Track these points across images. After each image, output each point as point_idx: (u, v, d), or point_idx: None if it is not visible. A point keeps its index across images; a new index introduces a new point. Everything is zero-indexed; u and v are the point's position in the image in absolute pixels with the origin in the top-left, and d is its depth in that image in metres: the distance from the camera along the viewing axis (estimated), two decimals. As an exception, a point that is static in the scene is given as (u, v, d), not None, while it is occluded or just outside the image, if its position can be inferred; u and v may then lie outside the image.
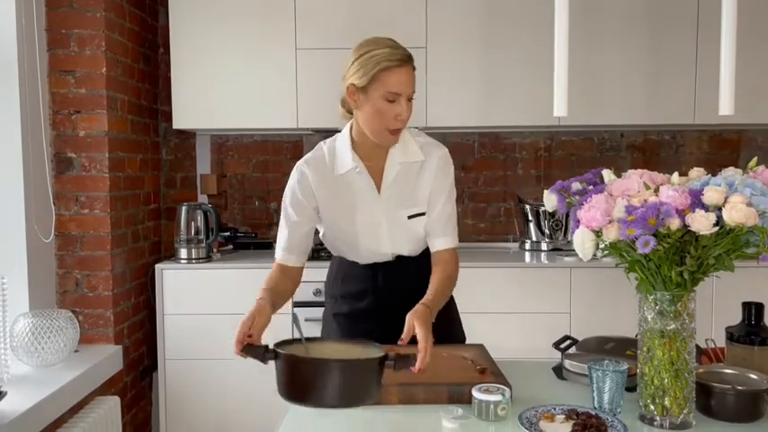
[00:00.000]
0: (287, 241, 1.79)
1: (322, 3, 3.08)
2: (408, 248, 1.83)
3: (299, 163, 1.80)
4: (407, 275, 1.83)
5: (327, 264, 3.00)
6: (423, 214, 1.79)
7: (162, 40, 3.42)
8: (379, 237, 1.80)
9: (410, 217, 1.79)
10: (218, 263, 3.06)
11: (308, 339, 1.44)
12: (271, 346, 1.40)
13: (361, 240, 1.81)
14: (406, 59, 1.67)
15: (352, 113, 1.77)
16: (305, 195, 1.77)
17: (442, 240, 1.80)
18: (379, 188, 1.77)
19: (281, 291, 1.75)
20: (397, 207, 1.78)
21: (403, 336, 1.49)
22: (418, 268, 1.82)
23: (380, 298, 1.85)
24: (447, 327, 1.84)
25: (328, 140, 1.83)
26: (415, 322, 1.48)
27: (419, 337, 1.44)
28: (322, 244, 3.41)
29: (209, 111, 3.12)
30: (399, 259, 1.84)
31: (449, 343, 1.73)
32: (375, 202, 1.77)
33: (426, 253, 1.85)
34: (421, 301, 1.60)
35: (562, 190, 1.45)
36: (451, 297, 1.87)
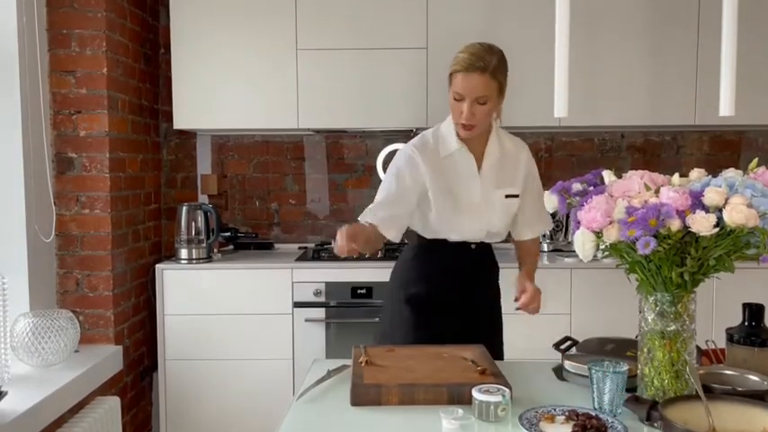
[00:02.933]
0: (388, 210, 1.90)
1: (323, 3, 3.09)
2: (498, 226, 2.02)
3: (405, 146, 2.00)
4: (483, 264, 2.07)
5: (328, 264, 3.02)
6: (517, 196, 2.02)
7: (163, 40, 3.42)
8: (477, 211, 1.98)
9: (507, 196, 2.00)
10: (218, 263, 3.06)
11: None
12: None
13: (463, 212, 1.97)
14: (473, 68, 1.83)
15: None
16: (414, 173, 1.94)
17: (539, 227, 2.12)
18: (479, 169, 1.98)
19: (378, 236, 1.87)
20: (496, 187, 1.99)
21: (517, 294, 1.93)
22: (490, 261, 2.10)
23: (459, 282, 2.03)
24: (491, 338, 2.04)
25: (430, 129, 2.04)
26: (524, 282, 1.95)
27: (530, 291, 1.91)
28: (322, 245, 3.43)
29: (210, 111, 3.12)
30: (479, 247, 2.03)
31: (492, 351, 1.81)
32: (475, 180, 1.97)
33: (492, 252, 2.10)
34: (522, 270, 2.03)
35: (563, 191, 1.45)
36: (500, 310, 2.14)
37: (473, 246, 2.02)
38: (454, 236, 2.00)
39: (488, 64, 1.83)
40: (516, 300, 1.94)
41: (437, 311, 2.02)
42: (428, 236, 2.03)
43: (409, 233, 2.05)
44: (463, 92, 1.85)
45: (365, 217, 1.88)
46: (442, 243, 2.01)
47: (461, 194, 1.97)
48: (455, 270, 2.03)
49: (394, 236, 1.89)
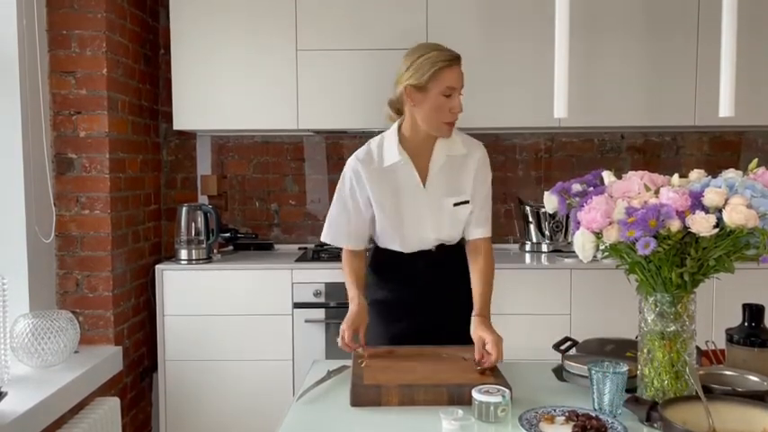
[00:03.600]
0: (347, 228, 1.98)
1: (323, 4, 3.09)
2: (450, 234, 1.98)
3: (351, 158, 1.99)
4: (446, 265, 2.00)
5: (328, 265, 3.02)
6: (467, 202, 1.96)
7: (163, 40, 3.42)
8: (423, 223, 1.95)
9: (455, 204, 1.95)
10: (218, 264, 3.06)
11: None
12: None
13: (406, 226, 1.95)
14: (456, 59, 1.86)
15: (399, 114, 2.00)
16: (359, 186, 1.94)
17: (482, 230, 1.99)
18: (424, 180, 1.94)
19: (360, 275, 2.00)
20: (444, 195, 1.94)
21: (476, 356, 1.67)
22: (455, 260, 2.01)
23: (421, 286, 1.99)
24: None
25: (377, 137, 2.03)
26: (481, 334, 1.71)
27: (491, 342, 1.66)
28: (322, 245, 3.43)
29: (210, 111, 3.12)
30: (439, 250, 1.99)
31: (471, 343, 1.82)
32: (419, 192, 1.93)
33: (462, 248, 2.02)
34: (475, 314, 1.83)
35: (562, 191, 1.45)
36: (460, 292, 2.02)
37: (432, 249, 1.99)
38: (399, 247, 1.98)
39: (458, 54, 1.87)
40: (477, 362, 1.65)
41: (399, 315, 2.01)
42: (380, 244, 2.04)
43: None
44: (454, 83, 1.84)
45: (337, 242, 2.00)
46: (398, 253, 2.00)
47: (406, 207, 1.94)
48: (412, 275, 1.99)
49: (364, 247, 2.01)
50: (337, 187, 2.00)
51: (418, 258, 1.99)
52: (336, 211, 2.00)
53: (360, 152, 1.99)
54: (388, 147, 1.96)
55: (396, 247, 2.00)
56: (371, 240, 2.08)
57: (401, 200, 1.94)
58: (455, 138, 1.97)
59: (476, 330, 1.76)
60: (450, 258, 2.01)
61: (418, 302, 2.01)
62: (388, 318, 2.03)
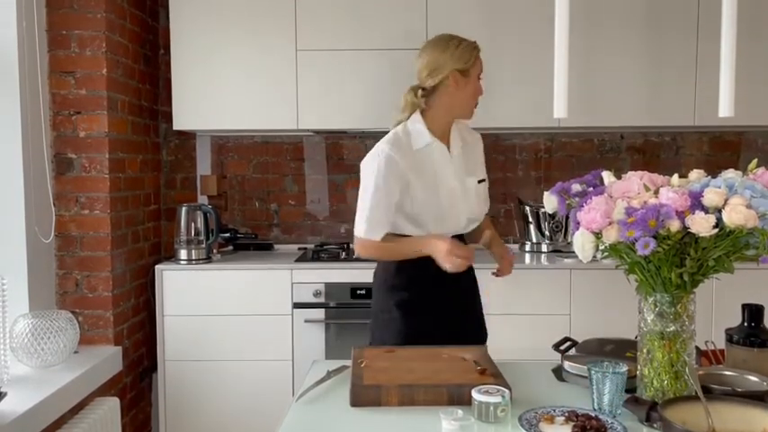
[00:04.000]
0: (386, 218, 1.96)
1: (322, 4, 3.09)
2: (477, 211, 2.12)
3: (380, 149, 1.98)
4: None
5: (328, 265, 3.02)
6: (485, 180, 2.14)
7: (162, 41, 3.42)
8: (456, 200, 2.04)
9: (479, 182, 2.11)
10: (218, 264, 3.06)
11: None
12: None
13: (443, 204, 2.01)
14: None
15: (413, 107, 2.05)
16: (394, 173, 1.95)
17: (486, 207, 2.19)
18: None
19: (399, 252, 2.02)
20: (466, 176, 2.07)
21: (499, 263, 2.11)
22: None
23: (446, 278, 1.94)
24: (476, 325, 2.18)
25: (398, 127, 2.07)
26: (503, 249, 2.12)
27: (508, 255, 2.12)
28: (322, 245, 3.43)
29: (210, 112, 3.12)
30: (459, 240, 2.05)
31: (477, 341, 1.99)
32: (450, 166, 2.03)
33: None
34: (492, 234, 2.07)
35: (562, 191, 1.45)
36: (479, 297, 2.20)
37: (464, 236, 2.12)
38: (437, 226, 1.99)
39: None
40: (497, 272, 2.11)
41: (426, 313, 2.03)
42: (411, 231, 2.01)
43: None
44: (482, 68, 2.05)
45: (378, 235, 1.96)
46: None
47: (441, 185, 2.01)
48: (438, 269, 1.93)
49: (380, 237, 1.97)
50: (369, 182, 1.96)
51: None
52: (374, 202, 1.95)
53: (388, 142, 1.99)
54: (416, 133, 2.02)
55: (431, 226, 1.99)
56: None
57: (437, 179, 2.00)
58: (461, 127, 2.12)
59: (496, 246, 2.09)
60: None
61: (444, 299, 2.04)
62: (415, 316, 2.02)
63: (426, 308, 2.03)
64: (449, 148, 2.05)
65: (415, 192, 1.97)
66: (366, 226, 1.96)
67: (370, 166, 1.97)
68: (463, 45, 1.99)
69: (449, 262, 1.85)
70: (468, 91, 2.01)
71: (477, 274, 2.19)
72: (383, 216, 1.96)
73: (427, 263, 1.93)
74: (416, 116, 2.03)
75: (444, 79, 1.98)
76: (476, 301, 2.19)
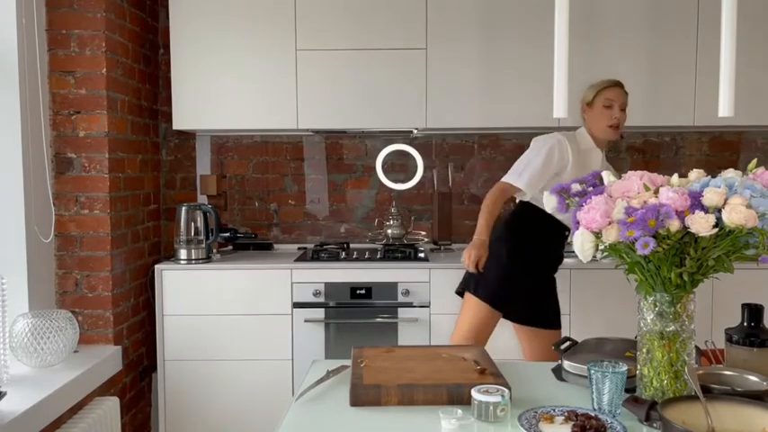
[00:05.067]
0: (537, 177, 2.47)
1: (322, 4, 3.09)
2: None
3: (554, 135, 2.56)
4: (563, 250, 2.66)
5: (327, 265, 3.02)
6: None
7: (162, 40, 3.42)
8: None
9: None
10: (217, 263, 3.06)
11: None
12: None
13: None
14: (615, 83, 2.59)
15: (583, 120, 2.65)
16: (560, 154, 2.50)
17: None
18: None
19: (493, 219, 2.49)
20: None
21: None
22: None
23: (557, 255, 2.66)
24: (554, 307, 2.68)
25: (569, 133, 2.62)
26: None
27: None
28: (322, 245, 3.43)
29: (210, 112, 3.12)
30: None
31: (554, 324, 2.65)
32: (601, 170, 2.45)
33: None
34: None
35: (562, 191, 1.45)
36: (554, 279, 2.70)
37: (566, 233, 2.58)
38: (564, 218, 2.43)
39: (618, 81, 2.62)
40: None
41: (530, 270, 2.57)
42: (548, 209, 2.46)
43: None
44: (615, 98, 2.58)
45: (519, 183, 2.46)
46: (556, 224, 2.53)
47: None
48: (551, 245, 2.60)
49: (529, 195, 2.51)
50: (540, 147, 2.51)
51: (559, 234, 2.57)
52: (534, 164, 2.48)
53: (563, 133, 2.58)
54: (581, 138, 2.60)
55: (564, 219, 2.46)
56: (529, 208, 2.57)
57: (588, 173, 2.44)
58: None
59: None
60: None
61: (549, 267, 2.65)
62: (519, 270, 2.55)
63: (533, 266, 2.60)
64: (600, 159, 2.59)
65: (567, 177, 2.43)
66: (515, 175, 2.49)
67: (545, 141, 2.52)
68: (591, 85, 2.61)
69: (466, 253, 2.42)
70: (593, 116, 2.58)
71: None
72: (533, 176, 2.46)
73: (548, 229, 2.57)
74: (582, 129, 2.64)
75: (582, 109, 2.64)
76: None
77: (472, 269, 2.39)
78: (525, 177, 2.47)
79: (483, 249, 2.41)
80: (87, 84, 2.70)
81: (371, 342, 2.79)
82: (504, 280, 2.53)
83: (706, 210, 1.25)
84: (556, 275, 2.70)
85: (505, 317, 2.60)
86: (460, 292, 2.64)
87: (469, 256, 2.39)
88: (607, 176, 2.12)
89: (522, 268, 2.56)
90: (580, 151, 2.56)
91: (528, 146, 2.58)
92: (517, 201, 2.63)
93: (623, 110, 2.58)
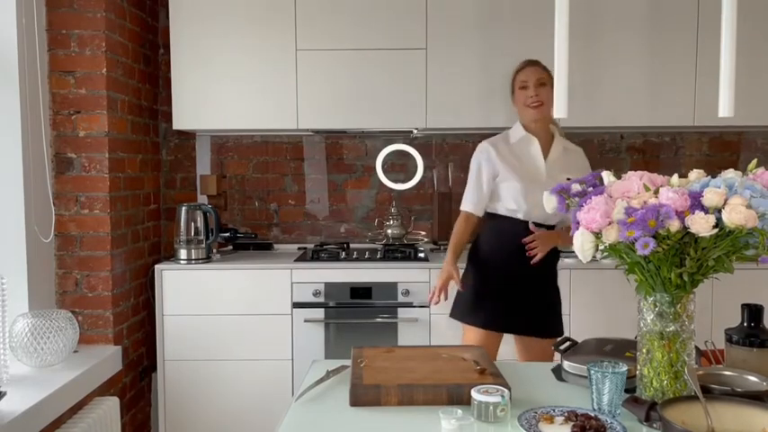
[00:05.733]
0: (478, 198, 2.50)
1: (322, 4, 3.09)
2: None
3: (481, 145, 2.55)
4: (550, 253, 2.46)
5: (327, 265, 3.02)
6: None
7: (162, 40, 3.42)
8: (542, 183, 2.39)
9: (568, 179, 2.30)
10: (217, 263, 3.06)
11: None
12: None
13: (529, 189, 2.41)
14: (527, 63, 2.54)
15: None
16: (487, 163, 2.48)
17: None
18: (545, 156, 2.49)
19: (464, 242, 2.52)
20: (560, 171, 2.44)
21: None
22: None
23: (520, 257, 2.42)
24: (554, 319, 2.55)
25: (499, 135, 2.59)
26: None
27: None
28: (321, 245, 3.43)
29: (210, 111, 3.12)
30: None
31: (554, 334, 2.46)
32: (540, 158, 2.48)
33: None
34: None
35: (562, 191, 1.45)
36: (558, 292, 2.58)
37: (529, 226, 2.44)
38: (528, 206, 2.41)
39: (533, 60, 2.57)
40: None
41: (497, 276, 2.47)
42: (504, 211, 2.47)
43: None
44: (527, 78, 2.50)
45: (464, 207, 2.53)
46: (515, 221, 2.45)
47: (531, 170, 2.46)
48: (520, 248, 2.43)
49: (481, 213, 2.51)
50: (471, 165, 2.54)
51: (526, 231, 2.43)
52: (469, 181, 2.54)
53: (488, 139, 2.56)
54: (513, 131, 2.54)
55: (521, 210, 2.43)
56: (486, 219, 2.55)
57: (525, 165, 2.46)
58: (565, 140, 2.58)
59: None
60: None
61: (515, 269, 2.45)
62: (488, 278, 2.49)
63: (500, 276, 2.50)
64: (549, 149, 2.50)
65: (504, 173, 2.45)
66: (463, 202, 2.55)
67: (473, 158, 2.55)
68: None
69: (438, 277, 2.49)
70: (516, 102, 2.55)
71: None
72: (474, 195, 2.52)
73: (507, 234, 2.49)
74: (518, 121, 2.57)
75: (512, 101, 2.59)
76: (543, 282, 2.54)
77: (436, 299, 2.44)
78: (469, 201, 2.52)
79: (445, 273, 2.45)
80: (87, 84, 2.70)
81: (371, 342, 2.78)
82: (467, 291, 2.51)
83: (706, 210, 1.25)
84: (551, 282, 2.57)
85: (494, 329, 2.48)
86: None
87: (432, 291, 2.46)
88: (548, 171, 2.20)
89: (483, 271, 2.51)
90: (510, 146, 2.51)
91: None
92: None
93: (543, 84, 2.47)
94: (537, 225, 2.45)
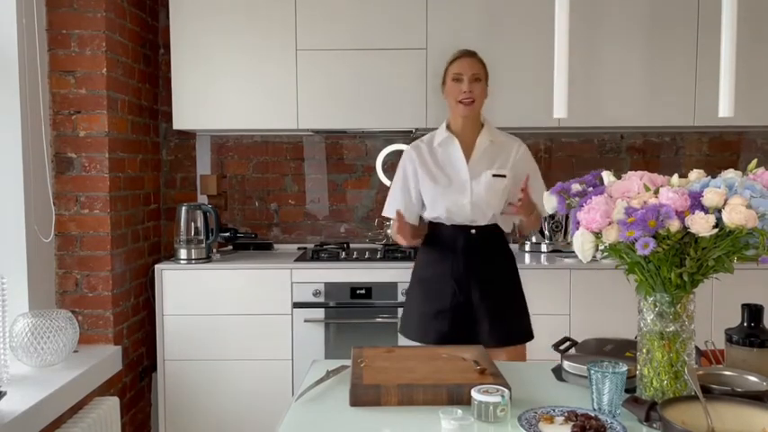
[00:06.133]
0: (404, 204, 2.40)
1: (322, 4, 3.09)
2: (487, 201, 2.32)
3: (406, 149, 2.47)
4: (480, 249, 2.34)
5: (327, 265, 3.02)
6: (504, 176, 2.34)
7: (162, 40, 3.42)
8: (464, 188, 2.32)
9: (494, 175, 2.34)
10: (217, 263, 3.06)
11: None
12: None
13: (452, 191, 2.32)
14: (463, 53, 2.39)
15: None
16: (411, 167, 2.40)
17: (496, 200, 2.36)
18: (468, 156, 2.36)
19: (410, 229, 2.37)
20: (486, 168, 2.34)
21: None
22: (489, 246, 2.36)
23: (457, 264, 2.32)
24: (519, 320, 2.40)
25: (425, 136, 2.48)
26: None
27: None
28: (322, 245, 3.43)
29: (210, 111, 3.12)
30: (478, 234, 2.34)
31: (518, 340, 2.37)
32: (462, 160, 2.36)
33: (498, 239, 2.39)
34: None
35: (562, 191, 1.45)
36: (520, 285, 2.44)
37: (473, 231, 2.34)
38: (445, 211, 2.32)
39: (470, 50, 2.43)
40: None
41: (440, 291, 2.33)
42: (429, 217, 2.40)
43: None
44: (463, 71, 2.36)
45: (386, 213, 2.47)
46: (444, 227, 2.36)
47: (451, 173, 2.36)
48: (454, 253, 2.33)
49: (413, 220, 2.41)
50: (396, 171, 2.46)
51: (459, 236, 2.33)
52: (394, 188, 2.46)
53: (414, 142, 2.47)
54: (438, 131, 2.43)
55: (442, 216, 2.34)
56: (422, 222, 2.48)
57: (446, 169, 2.37)
58: (496, 131, 2.43)
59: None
60: (486, 244, 2.35)
61: (456, 277, 2.31)
62: (430, 294, 2.35)
63: (437, 289, 2.36)
64: (474, 144, 2.37)
65: (425, 178, 2.36)
66: (386, 206, 2.50)
67: (399, 163, 2.46)
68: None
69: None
70: (447, 95, 2.41)
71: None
72: (396, 201, 2.43)
73: (439, 242, 2.39)
74: (443, 122, 2.46)
75: (442, 93, 2.46)
76: (493, 287, 2.36)
77: (398, 224, 2.29)
78: (391, 206, 2.45)
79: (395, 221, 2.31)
80: (87, 83, 2.70)
81: (371, 342, 2.78)
82: (413, 308, 2.40)
83: (706, 210, 1.25)
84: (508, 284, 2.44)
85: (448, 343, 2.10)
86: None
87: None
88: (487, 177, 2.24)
89: (426, 286, 2.38)
90: (433, 149, 2.40)
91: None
92: None
93: (478, 80, 2.34)
94: (463, 228, 2.33)
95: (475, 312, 2.31)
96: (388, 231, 3.37)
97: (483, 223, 2.34)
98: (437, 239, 2.39)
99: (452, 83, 2.35)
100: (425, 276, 2.40)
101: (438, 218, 2.36)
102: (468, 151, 2.37)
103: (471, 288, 2.31)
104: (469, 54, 2.39)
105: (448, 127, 2.41)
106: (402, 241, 2.36)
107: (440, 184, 2.34)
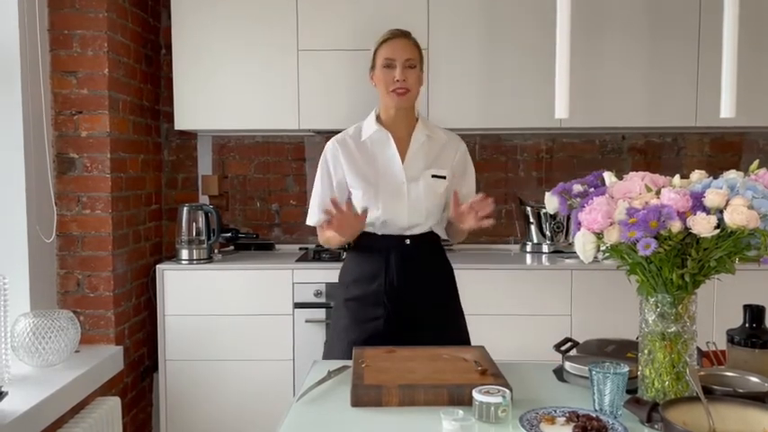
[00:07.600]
0: (325, 203, 2.00)
1: (324, 4, 3.09)
2: (426, 206, 2.05)
3: (327, 144, 2.14)
4: (417, 262, 2.05)
5: (329, 265, 3.02)
6: (444, 177, 2.07)
7: (164, 40, 3.43)
8: (399, 192, 2.04)
9: (434, 176, 2.07)
10: (219, 264, 3.06)
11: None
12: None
13: (383, 195, 2.03)
14: (395, 34, 2.05)
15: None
16: (335, 165, 2.09)
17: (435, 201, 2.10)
18: (403, 154, 2.07)
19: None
20: (423, 168, 2.07)
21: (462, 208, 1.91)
22: (427, 259, 2.08)
23: (391, 281, 2.03)
24: (456, 330, 2.11)
25: (349, 129, 2.17)
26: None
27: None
28: (323, 245, 3.42)
29: (211, 112, 3.12)
30: (413, 243, 2.05)
31: (456, 344, 1.90)
32: (395, 157, 2.07)
33: (436, 250, 2.12)
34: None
35: (563, 192, 1.45)
36: (458, 300, 2.15)
37: (407, 241, 2.06)
38: (377, 219, 2.02)
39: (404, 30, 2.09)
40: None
41: (371, 312, 2.03)
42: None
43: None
44: (394, 55, 2.03)
45: (311, 221, 2.13)
46: (374, 238, 2.05)
47: (383, 175, 2.06)
48: (387, 269, 2.03)
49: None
50: (317, 171, 2.13)
51: (392, 248, 2.04)
52: (317, 191, 2.12)
53: (337, 135, 2.16)
54: (366, 123, 2.12)
55: (376, 224, 2.04)
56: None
57: (378, 169, 2.07)
58: (434, 127, 2.16)
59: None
60: (423, 256, 2.08)
61: (390, 297, 2.02)
62: (360, 316, 2.04)
63: (370, 305, 2.05)
64: (409, 140, 2.08)
65: (357, 179, 2.05)
66: (309, 212, 2.16)
67: (321, 158, 2.15)
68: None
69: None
70: (377, 83, 2.08)
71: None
72: (319, 205, 2.09)
73: (371, 256, 2.07)
74: (372, 112, 2.15)
75: (371, 79, 2.13)
76: (431, 300, 2.07)
77: (336, 226, 1.93)
78: (313, 213, 2.12)
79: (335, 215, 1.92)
80: (89, 84, 2.70)
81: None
82: (339, 336, 2.06)
83: (708, 211, 1.25)
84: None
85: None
86: None
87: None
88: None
89: (353, 310, 2.06)
90: (361, 144, 2.09)
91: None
92: None
93: (412, 67, 2.02)
94: (397, 238, 2.04)
95: (412, 336, 1.95)
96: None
97: (419, 232, 2.06)
98: (366, 252, 2.06)
99: (383, 69, 2.01)
100: (353, 296, 2.06)
101: (368, 226, 2.03)
102: (402, 148, 2.07)
103: (407, 309, 2.02)
104: (403, 34, 2.05)
105: (378, 119, 2.10)
106: (345, 237, 1.98)
107: (371, 186, 2.03)
